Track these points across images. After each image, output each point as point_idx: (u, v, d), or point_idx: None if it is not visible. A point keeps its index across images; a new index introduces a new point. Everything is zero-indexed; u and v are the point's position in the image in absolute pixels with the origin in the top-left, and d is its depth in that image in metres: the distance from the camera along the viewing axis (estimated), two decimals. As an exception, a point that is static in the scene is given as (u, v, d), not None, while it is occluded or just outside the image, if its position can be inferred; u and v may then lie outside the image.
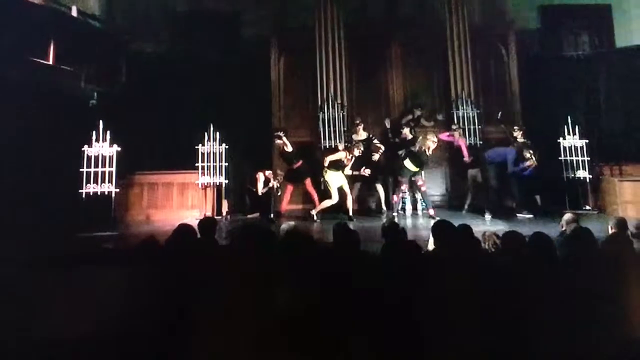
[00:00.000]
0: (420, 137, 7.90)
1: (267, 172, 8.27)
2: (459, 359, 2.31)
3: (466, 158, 8.17)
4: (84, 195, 7.38)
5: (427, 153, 7.72)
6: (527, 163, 7.79)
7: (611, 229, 4.43)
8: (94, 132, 7.62)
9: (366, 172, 7.79)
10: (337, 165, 7.69)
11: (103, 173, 7.57)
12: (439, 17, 9.54)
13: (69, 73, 7.55)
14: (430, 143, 7.65)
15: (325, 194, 7.87)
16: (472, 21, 9.57)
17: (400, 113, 9.13)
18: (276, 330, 2.37)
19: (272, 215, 7.94)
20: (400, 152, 8.07)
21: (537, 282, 2.89)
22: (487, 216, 7.81)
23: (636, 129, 8.75)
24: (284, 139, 7.99)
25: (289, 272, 3.00)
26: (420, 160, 7.73)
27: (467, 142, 8.50)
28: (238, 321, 2.45)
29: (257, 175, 8.34)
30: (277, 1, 10.20)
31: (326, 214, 7.83)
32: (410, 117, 8.88)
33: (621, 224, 4.42)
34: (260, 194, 8.26)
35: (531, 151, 7.85)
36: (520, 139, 8.17)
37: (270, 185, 8.20)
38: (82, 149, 7.56)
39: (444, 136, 8.54)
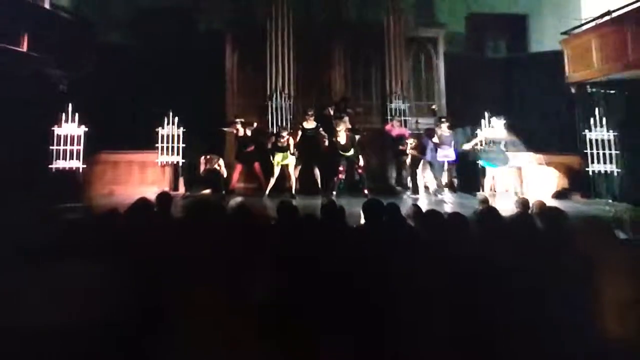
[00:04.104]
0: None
1: (208, 157, 8.82)
2: (385, 332, 2.27)
3: (408, 146, 8.98)
4: (53, 170, 8.13)
5: (337, 139, 8.43)
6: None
7: (516, 208, 4.88)
8: (63, 114, 8.26)
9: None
10: (279, 148, 8.50)
11: (71, 151, 8.28)
12: (378, 20, 10.29)
13: (41, 60, 7.80)
14: (339, 134, 8.43)
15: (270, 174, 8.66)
16: (407, 25, 10.31)
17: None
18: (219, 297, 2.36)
19: (224, 192, 8.57)
20: None
21: (453, 254, 2.97)
22: (413, 196, 8.62)
23: (545, 123, 9.78)
24: (255, 125, 9.00)
25: (235, 242, 3.08)
26: (340, 146, 8.45)
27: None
28: (186, 282, 2.47)
29: (200, 159, 8.86)
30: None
31: (273, 192, 8.49)
32: (333, 107, 9.59)
33: (524, 204, 4.89)
34: (203, 175, 8.77)
35: (408, 141, 8.85)
36: (445, 130, 8.85)
37: (208, 167, 8.69)
38: (52, 128, 8.22)
39: (389, 126, 9.44)
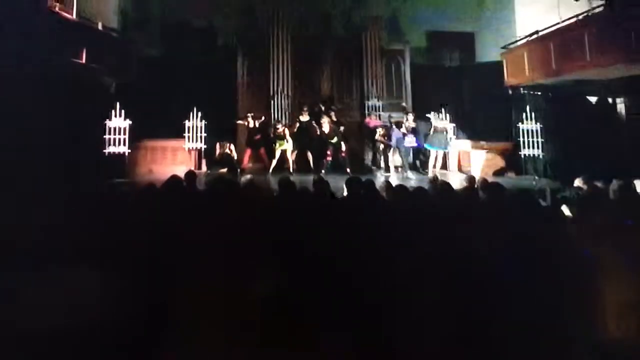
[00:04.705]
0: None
1: (221, 143, 10.24)
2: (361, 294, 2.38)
3: (377, 134, 10.39)
4: (106, 154, 9.73)
5: (321, 130, 9.98)
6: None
7: (464, 183, 5.26)
8: (112, 111, 9.81)
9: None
10: (277, 137, 10.12)
11: (119, 139, 9.82)
12: (359, 36, 11.91)
13: (96, 69, 9.01)
14: (324, 125, 10.07)
15: (273, 157, 10.20)
16: (381, 39, 12.01)
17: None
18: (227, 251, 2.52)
19: (239, 170, 9.89)
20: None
21: (417, 218, 3.23)
22: (385, 174, 10.00)
23: (488, 117, 11.49)
24: (262, 118, 10.62)
25: (247, 207, 3.37)
26: (324, 135, 10.05)
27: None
28: (207, 236, 2.68)
29: (216, 145, 10.35)
30: (241, 19, 12.39)
31: (275, 171, 9.74)
32: (320, 105, 11.25)
33: (471, 180, 5.30)
34: (218, 158, 10.16)
35: (377, 130, 10.49)
36: (411, 122, 10.56)
37: (221, 151, 10.02)
38: (105, 122, 9.78)
39: (368, 120, 11.15)
